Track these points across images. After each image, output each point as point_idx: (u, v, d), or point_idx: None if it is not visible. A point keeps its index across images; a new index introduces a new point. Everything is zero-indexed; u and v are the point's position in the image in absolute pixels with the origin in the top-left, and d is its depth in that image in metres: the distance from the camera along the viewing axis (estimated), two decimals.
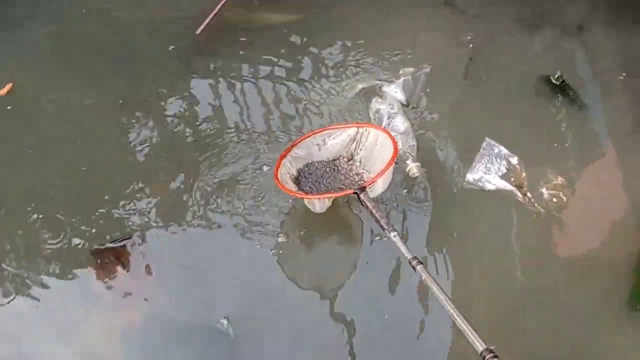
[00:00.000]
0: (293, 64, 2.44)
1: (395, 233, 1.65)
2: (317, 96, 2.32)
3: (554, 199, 2.00)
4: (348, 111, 2.25)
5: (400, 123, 2.11)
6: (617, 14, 2.59)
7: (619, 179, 2.09)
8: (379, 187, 1.84)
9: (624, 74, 2.37)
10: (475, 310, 1.77)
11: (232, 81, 2.39)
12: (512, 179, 2.03)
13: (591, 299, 1.84)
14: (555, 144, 2.16)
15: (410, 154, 2.03)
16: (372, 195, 1.81)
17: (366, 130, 1.99)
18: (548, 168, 2.07)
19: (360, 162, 2.02)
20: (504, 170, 2.04)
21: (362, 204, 1.77)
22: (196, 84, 2.37)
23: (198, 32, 2.46)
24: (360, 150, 2.02)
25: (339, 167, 2.02)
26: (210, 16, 2.48)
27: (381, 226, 1.70)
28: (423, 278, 1.50)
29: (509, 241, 1.92)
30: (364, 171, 1.98)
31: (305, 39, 2.52)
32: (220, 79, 2.40)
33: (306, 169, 2.02)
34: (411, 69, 2.34)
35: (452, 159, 2.10)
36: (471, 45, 2.47)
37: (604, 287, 1.86)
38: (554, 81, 2.31)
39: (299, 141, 2.00)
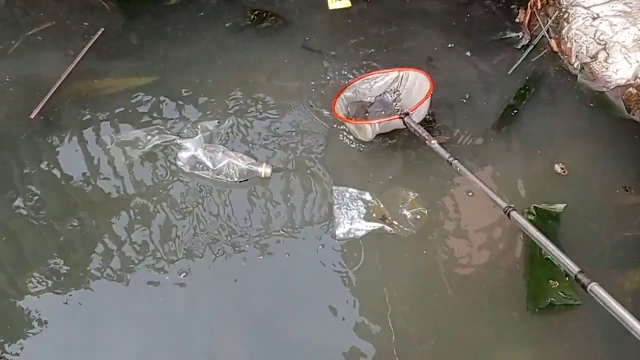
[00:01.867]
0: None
1: (435, 141, 2.06)
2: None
3: (418, 216, 2.09)
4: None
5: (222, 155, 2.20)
6: None
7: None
8: (419, 114, 2.26)
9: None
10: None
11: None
12: (374, 215, 2.09)
13: (487, 306, 1.91)
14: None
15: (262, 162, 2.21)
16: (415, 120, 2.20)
17: (406, 73, 2.40)
18: (397, 188, 2.15)
19: (401, 99, 2.43)
20: (364, 211, 2.10)
21: (407, 127, 2.18)
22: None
23: (32, 116, 2.34)
24: (402, 90, 2.43)
25: (384, 104, 2.44)
26: (44, 100, 2.37)
27: (424, 138, 2.10)
28: (458, 169, 1.92)
29: (400, 272, 1.97)
30: (405, 105, 2.39)
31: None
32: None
33: (357, 106, 2.43)
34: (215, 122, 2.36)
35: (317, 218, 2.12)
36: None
37: (499, 293, 1.94)
38: None
39: (350, 84, 2.42)
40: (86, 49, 2.42)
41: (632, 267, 2.04)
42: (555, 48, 2.73)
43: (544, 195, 2.19)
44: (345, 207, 2.11)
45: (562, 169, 2.31)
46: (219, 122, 2.33)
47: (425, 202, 2.13)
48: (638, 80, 2.51)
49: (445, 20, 2.82)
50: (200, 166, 2.17)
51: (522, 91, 2.57)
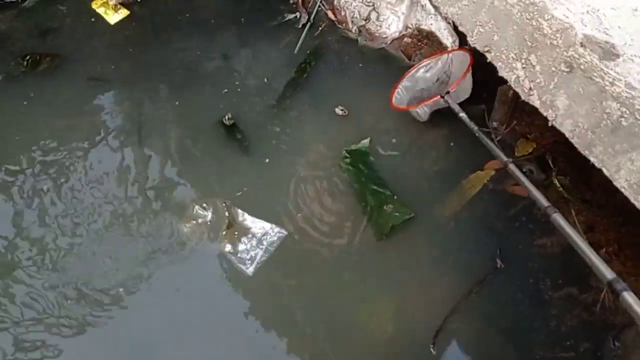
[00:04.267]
0: None
1: (463, 114, 2.24)
2: None
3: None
4: None
5: None
6: None
7: None
8: (463, 92, 2.40)
9: None
10: None
11: None
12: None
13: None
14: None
15: None
16: (458, 99, 2.37)
17: (454, 54, 2.48)
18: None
19: (451, 78, 2.53)
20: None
21: (446, 103, 2.32)
22: None
23: None
24: (452, 69, 2.52)
25: (442, 86, 2.54)
26: None
27: (456, 112, 2.26)
28: (475, 129, 2.14)
29: None
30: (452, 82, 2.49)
31: None
32: None
33: (417, 93, 2.56)
34: None
35: None
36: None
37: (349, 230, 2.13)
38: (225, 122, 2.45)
39: (406, 75, 2.52)
40: None
41: (448, 193, 2.25)
42: (332, 17, 2.88)
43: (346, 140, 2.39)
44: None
45: (342, 110, 2.52)
46: None
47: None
48: (409, 29, 2.73)
49: (225, 20, 2.85)
50: None
51: (303, 65, 2.69)
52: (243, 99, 2.53)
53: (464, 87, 2.39)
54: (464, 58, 2.42)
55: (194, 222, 2.14)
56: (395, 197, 2.22)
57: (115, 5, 2.79)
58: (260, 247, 2.10)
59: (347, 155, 2.37)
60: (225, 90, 2.57)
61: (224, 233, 2.12)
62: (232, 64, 2.69)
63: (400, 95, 2.53)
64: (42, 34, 2.67)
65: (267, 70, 2.66)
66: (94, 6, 2.81)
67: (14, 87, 2.47)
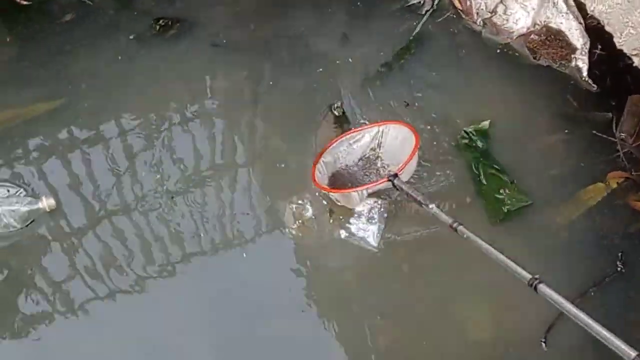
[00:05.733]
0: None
1: (433, 205, 1.83)
2: None
3: None
4: None
5: None
6: None
7: None
8: (408, 173, 2.11)
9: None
10: None
11: None
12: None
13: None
14: None
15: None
16: (403, 180, 2.06)
17: (387, 127, 2.21)
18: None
19: (384, 157, 2.25)
20: None
21: (397, 189, 2.01)
22: None
23: None
24: (383, 147, 2.24)
25: (367, 165, 2.26)
26: None
27: (419, 202, 1.87)
28: (465, 236, 1.69)
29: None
30: (390, 164, 2.21)
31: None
32: None
33: (337, 172, 2.24)
34: None
35: None
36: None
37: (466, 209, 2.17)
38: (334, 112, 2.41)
39: (326, 149, 2.19)
40: None
41: (563, 201, 2.19)
42: (458, 6, 2.82)
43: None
44: None
45: None
46: None
47: None
48: (537, 26, 2.64)
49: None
50: None
51: (402, 50, 2.66)
52: (349, 81, 2.53)
53: (408, 169, 2.11)
54: (403, 134, 2.17)
55: (300, 222, 2.14)
56: (513, 183, 2.21)
57: None
58: (373, 221, 2.11)
59: (466, 135, 2.37)
60: (337, 63, 2.59)
61: (331, 221, 2.14)
62: (345, 44, 2.68)
63: (321, 171, 2.17)
64: (124, 4, 2.72)
65: (384, 54, 2.64)
66: None
67: (144, 48, 2.54)
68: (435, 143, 2.35)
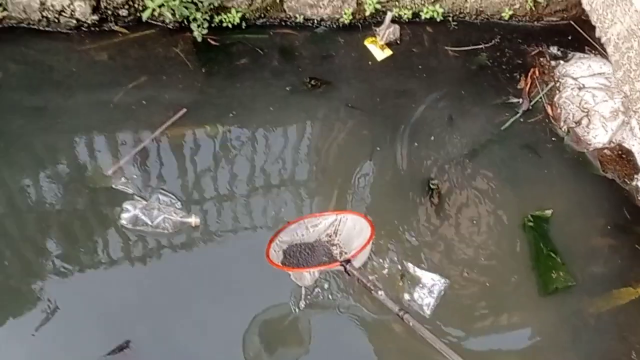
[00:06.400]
0: None
1: (382, 292, 2.06)
2: None
3: None
4: None
5: None
6: None
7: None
8: (359, 261, 2.26)
9: None
10: None
11: None
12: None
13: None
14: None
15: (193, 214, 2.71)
16: (356, 266, 2.24)
17: (345, 216, 2.41)
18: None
19: (339, 243, 2.43)
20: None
21: (348, 274, 2.19)
22: None
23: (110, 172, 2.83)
24: (339, 234, 2.42)
25: (321, 248, 2.38)
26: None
27: (368, 288, 2.08)
28: (411, 324, 1.98)
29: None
30: (343, 250, 2.39)
31: None
32: None
33: (291, 250, 2.36)
34: None
35: None
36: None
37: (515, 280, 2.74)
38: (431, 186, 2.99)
39: (284, 228, 2.38)
40: (168, 123, 3.01)
41: (597, 294, 2.76)
42: (549, 112, 3.39)
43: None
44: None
45: None
46: None
47: None
48: (612, 144, 3.19)
49: (459, 83, 3.48)
50: (141, 223, 2.64)
51: (493, 138, 3.27)
52: (446, 156, 3.15)
53: (360, 257, 2.28)
54: (360, 224, 2.31)
55: (375, 276, 2.59)
56: (564, 264, 2.77)
57: (383, 45, 3.49)
58: (432, 295, 2.61)
59: (531, 219, 2.93)
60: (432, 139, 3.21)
61: (400, 284, 2.64)
62: (450, 124, 3.30)
63: (276, 249, 2.31)
64: (322, 58, 3.45)
65: (478, 136, 3.26)
66: (365, 42, 3.52)
67: (295, 98, 3.28)
68: (504, 221, 2.94)
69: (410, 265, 2.71)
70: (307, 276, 2.21)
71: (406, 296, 2.61)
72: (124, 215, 2.68)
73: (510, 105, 3.41)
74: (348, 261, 2.17)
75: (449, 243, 2.85)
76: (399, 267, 2.71)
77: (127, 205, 2.70)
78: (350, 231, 2.38)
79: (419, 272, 2.69)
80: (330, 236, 2.45)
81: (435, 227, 2.91)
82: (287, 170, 3.02)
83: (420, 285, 2.65)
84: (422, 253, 2.78)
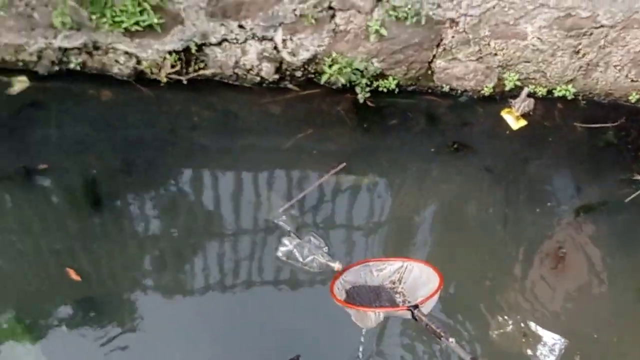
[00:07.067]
0: None
1: (453, 339, 1.96)
2: None
3: None
4: None
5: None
6: None
7: None
8: (427, 308, 2.20)
9: None
10: None
11: None
12: None
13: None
14: None
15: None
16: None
17: (411, 264, 2.40)
18: None
19: (402, 291, 2.41)
20: None
21: (416, 320, 2.11)
22: None
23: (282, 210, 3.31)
24: (404, 282, 2.41)
25: (384, 294, 2.38)
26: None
27: (438, 336, 1.98)
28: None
29: None
30: (407, 299, 2.37)
31: None
32: None
33: (354, 291, 2.36)
34: None
35: None
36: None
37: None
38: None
39: (349, 268, 2.45)
40: (330, 174, 3.51)
41: None
42: None
43: None
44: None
45: None
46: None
47: None
48: None
49: (586, 156, 3.86)
50: (293, 258, 3.07)
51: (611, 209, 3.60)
52: (569, 225, 3.51)
53: (428, 304, 2.22)
54: (427, 274, 2.30)
55: (500, 331, 3.01)
56: None
57: (518, 116, 3.92)
58: (553, 353, 2.92)
59: None
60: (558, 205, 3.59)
61: (523, 340, 2.97)
62: (577, 193, 3.68)
63: (339, 287, 2.33)
64: (463, 124, 3.92)
65: (597, 207, 3.62)
66: (502, 112, 3.97)
67: (437, 160, 3.76)
68: (623, 286, 3.27)
69: (532, 324, 3.05)
70: (372, 317, 2.15)
71: (528, 352, 2.94)
72: (282, 249, 3.15)
73: (635, 182, 3.72)
74: (416, 306, 2.13)
75: (571, 304, 3.20)
76: (522, 325, 3.06)
77: (285, 240, 3.18)
78: (416, 280, 2.38)
79: (541, 331, 3.00)
80: (394, 283, 2.44)
81: (559, 289, 3.27)
82: (426, 225, 3.47)
83: (542, 343, 2.96)
84: (544, 313, 3.13)
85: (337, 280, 2.33)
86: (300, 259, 3.09)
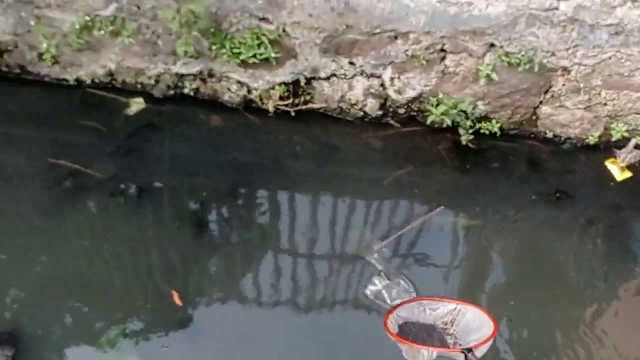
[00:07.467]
0: None
1: None
2: None
3: None
4: None
5: None
6: None
7: None
8: (480, 352, 2.31)
9: None
10: None
11: None
12: None
13: None
14: None
15: None
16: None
17: (465, 308, 2.47)
18: None
19: (454, 333, 2.48)
20: None
21: None
22: None
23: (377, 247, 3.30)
24: (456, 324, 2.47)
25: (435, 333, 2.44)
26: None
27: None
28: None
29: None
30: (458, 341, 2.44)
31: None
32: None
33: (407, 327, 2.43)
34: None
35: None
36: None
37: None
38: None
39: (404, 303, 2.50)
40: (427, 217, 3.50)
41: None
42: None
43: None
44: None
45: None
46: None
47: None
48: None
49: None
50: (381, 299, 2.99)
51: None
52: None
53: (481, 349, 2.33)
54: (481, 320, 2.37)
55: None
56: None
57: (623, 167, 3.83)
58: None
59: None
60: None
61: None
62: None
63: (392, 321, 2.40)
64: (565, 172, 3.88)
65: None
66: (606, 162, 3.90)
67: (539, 206, 3.72)
68: None
69: None
70: (425, 355, 2.24)
71: None
72: (371, 287, 3.14)
73: None
74: (470, 350, 2.23)
75: None
76: None
77: (375, 279, 3.17)
78: (469, 324, 2.44)
79: None
80: (446, 324, 2.52)
81: None
82: (518, 274, 3.42)
83: None
84: None
85: (390, 315, 2.39)
86: (388, 301, 3.02)
